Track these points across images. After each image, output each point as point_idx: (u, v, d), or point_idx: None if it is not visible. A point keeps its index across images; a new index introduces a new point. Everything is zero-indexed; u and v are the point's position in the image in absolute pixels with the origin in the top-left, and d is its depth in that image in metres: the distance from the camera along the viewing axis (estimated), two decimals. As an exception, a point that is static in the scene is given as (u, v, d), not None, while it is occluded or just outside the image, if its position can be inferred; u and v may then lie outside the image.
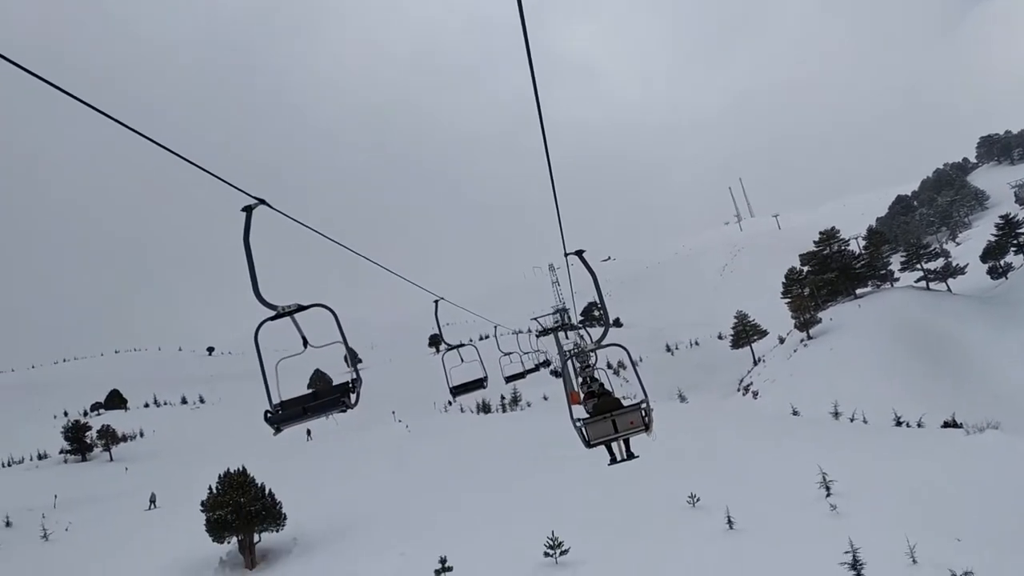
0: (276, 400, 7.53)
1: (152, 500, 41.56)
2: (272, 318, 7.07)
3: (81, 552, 33.65)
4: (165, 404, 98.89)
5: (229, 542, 27.94)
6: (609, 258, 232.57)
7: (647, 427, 10.91)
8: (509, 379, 24.73)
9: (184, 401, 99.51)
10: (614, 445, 12.56)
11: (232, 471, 29.24)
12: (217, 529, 27.61)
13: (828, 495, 24.60)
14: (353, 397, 7.56)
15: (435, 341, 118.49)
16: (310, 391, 8.21)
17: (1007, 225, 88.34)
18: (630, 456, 12.76)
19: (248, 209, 6.78)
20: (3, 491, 50.20)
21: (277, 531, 28.50)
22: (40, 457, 66.64)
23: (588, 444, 11.12)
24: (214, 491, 28.41)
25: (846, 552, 17.50)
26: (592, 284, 9.92)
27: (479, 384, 17.08)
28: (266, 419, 7.39)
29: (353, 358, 7.98)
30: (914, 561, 18.04)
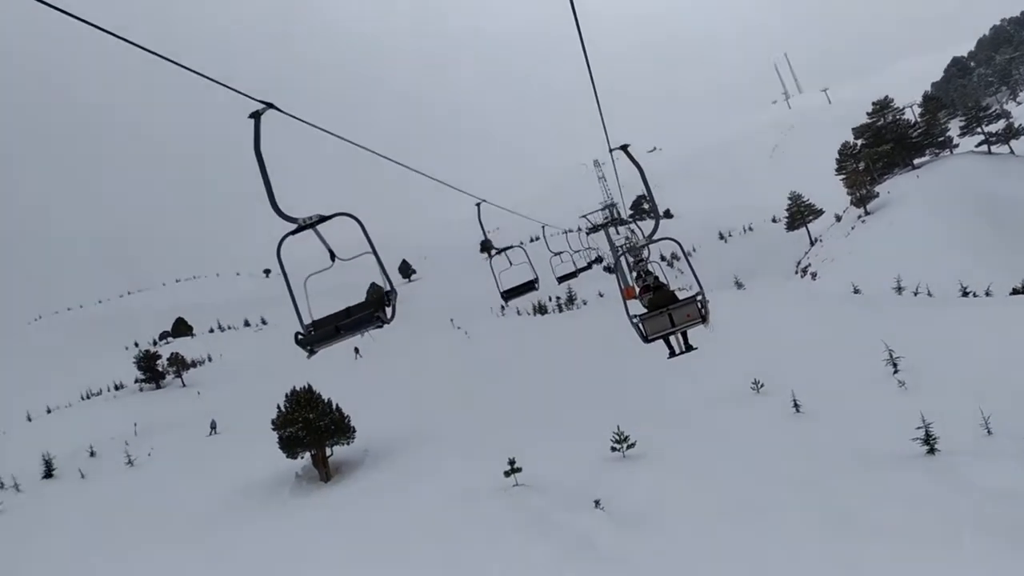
0: (308, 320, 7.21)
1: (212, 426, 42.79)
2: (293, 232, 6.74)
3: (166, 475, 35.03)
4: (229, 328, 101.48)
5: (302, 457, 28.73)
6: (655, 148, 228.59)
7: (704, 319, 10.97)
8: (561, 279, 24.43)
9: (247, 324, 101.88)
10: (672, 338, 12.76)
11: (298, 389, 29.81)
12: (290, 446, 28.34)
13: (895, 372, 24.22)
14: (389, 311, 7.27)
15: (486, 247, 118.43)
16: (343, 309, 7.55)
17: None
18: (689, 348, 13.06)
19: (256, 115, 6.37)
20: (85, 422, 52.41)
21: (347, 444, 29.19)
22: (117, 388, 69.08)
23: (646, 339, 11.23)
24: (283, 409, 29.06)
25: (918, 428, 17.22)
26: (639, 178, 9.79)
27: (530, 287, 16.77)
28: (297, 341, 7.13)
29: (384, 270, 7.38)
30: (989, 432, 17.69)
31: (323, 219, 6.68)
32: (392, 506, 20.80)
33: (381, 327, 7.08)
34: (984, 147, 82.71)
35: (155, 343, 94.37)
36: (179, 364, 67.12)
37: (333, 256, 7.45)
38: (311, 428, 28.18)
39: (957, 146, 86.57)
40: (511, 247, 16.82)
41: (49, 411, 63.88)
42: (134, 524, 27.82)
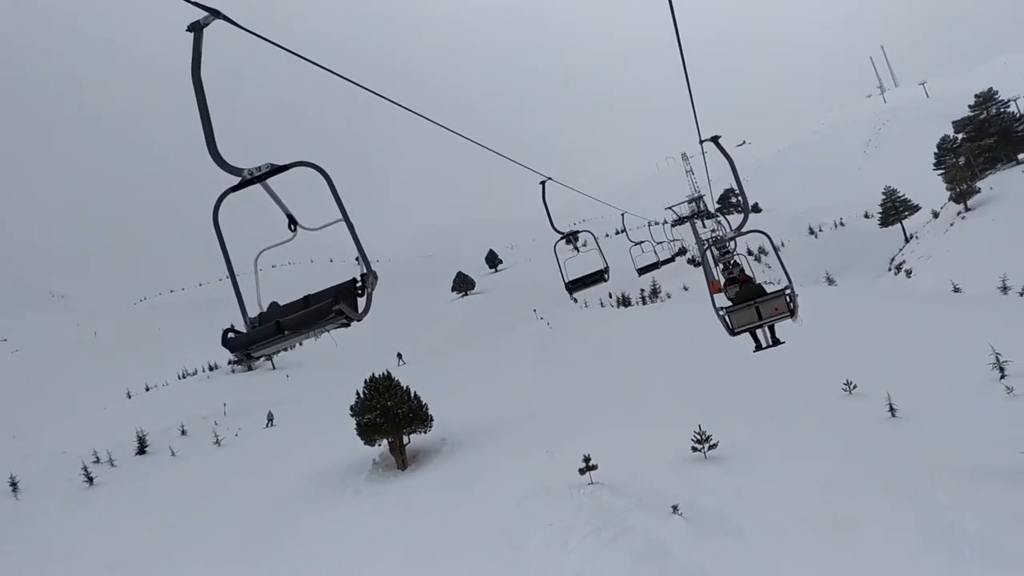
0: (255, 312, 5.37)
1: (270, 418, 43.32)
2: (236, 187, 4.96)
3: (251, 456, 35.79)
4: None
5: (380, 445, 28.74)
6: (744, 142, 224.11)
7: (792, 312, 10.88)
8: (642, 271, 23.91)
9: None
10: (759, 332, 12.56)
11: (377, 376, 29.83)
12: (368, 432, 28.37)
13: (1003, 376, 22.73)
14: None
15: (572, 240, 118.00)
16: (301, 298, 5.64)
17: None
18: (776, 342, 12.91)
19: (196, 28, 4.69)
20: (179, 402, 54.05)
21: (425, 432, 29.08)
22: (211, 368, 70.99)
23: (732, 332, 11.12)
24: (361, 395, 29.12)
25: (1030, 439, 15.98)
26: (729, 170, 9.58)
27: (599, 277, 15.04)
28: (224, 342, 5.09)
29: (358, 243, 5.22)
30: (1113, 445, 16.32)
31: (277, 170, 4.89)
32: (465, 499, 20.50)
33: (347, 326, 5.01)
34: (1097, 142, 78.02)
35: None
36: (267, 347, 68.35)
37: (293, 223, 5.50)
38: (389, 415, 28.16)
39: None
40: (576, 232, 15.09)
41: (148, 389, 66.11)
42: (219, 501, 28.41)
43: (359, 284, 5.10)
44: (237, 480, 31.32)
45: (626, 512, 16.00)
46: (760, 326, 11.36)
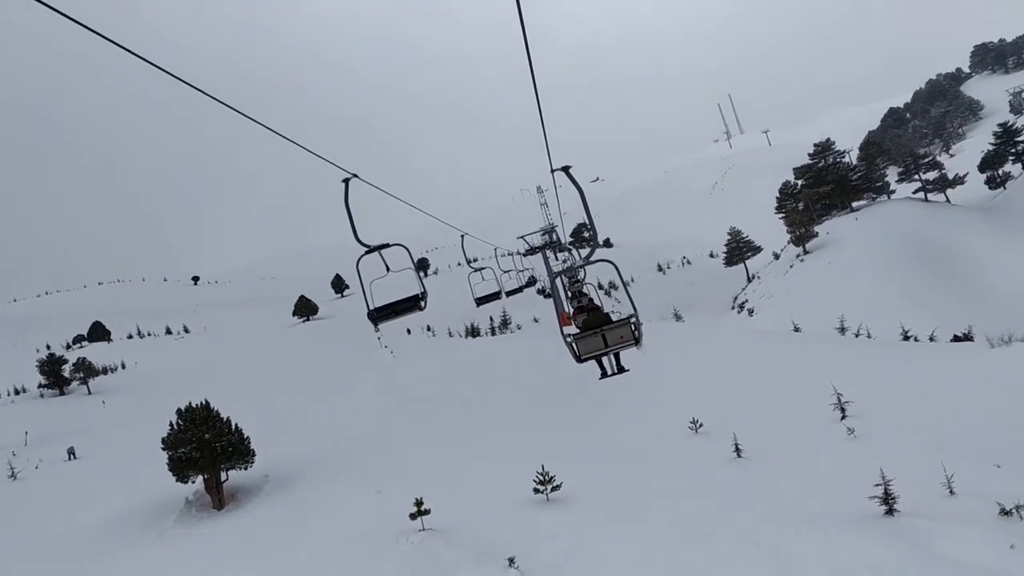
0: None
1: (71, 453, 38.62)
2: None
3: (47, 492, 31.76)
4: (149, 335, 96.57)
5: (194, 481, 25.86)
6: (598, 179, 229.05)
7: (637, 341, 11.16)
8: (481, 301, 22.73)
9: (168, 332, 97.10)
10: (604, 359, 12.62)
11: (195, 405, 26.98)
12: (181, 468, 25.46)
13: (843, 417, 22.57)
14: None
15: (422, 266, 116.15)
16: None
17: (1005, 133, 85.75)
18: (620, 370, 12.92)
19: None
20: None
21: (246, 468, 26.40)
22: (17, 392, 64.52)
23: (579, 359, 11.35)
24: (175, 427, 26.20)
25: (876, 485, 15.35)
26: (580, 202, 9.93)
27: (413, 304, 16.93)
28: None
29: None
30: (951, 492, 15.96)
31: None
32: (280, 551, 18.06)
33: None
34: (920, 194, 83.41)
35: (69, 347, 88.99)
36: (85, 370, 62.85)
37: (388, 268, 10.33)
38: (205, 449, 25.38)
39: (894, 191, 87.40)
40: (389, 244, 16.99)
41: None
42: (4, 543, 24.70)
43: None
44: (25, 521, 27.53)
45: (457, 566, 14.20)
46: (606, 353, 11.54)
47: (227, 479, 26.11)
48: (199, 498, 25.93)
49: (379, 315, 10.79)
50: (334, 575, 15.12)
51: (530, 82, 7.48)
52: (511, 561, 13.91)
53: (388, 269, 10.32)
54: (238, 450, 26.02)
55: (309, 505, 22.27)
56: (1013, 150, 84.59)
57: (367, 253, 9.71)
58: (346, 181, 9.05)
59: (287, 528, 20.08)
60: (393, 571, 14.34)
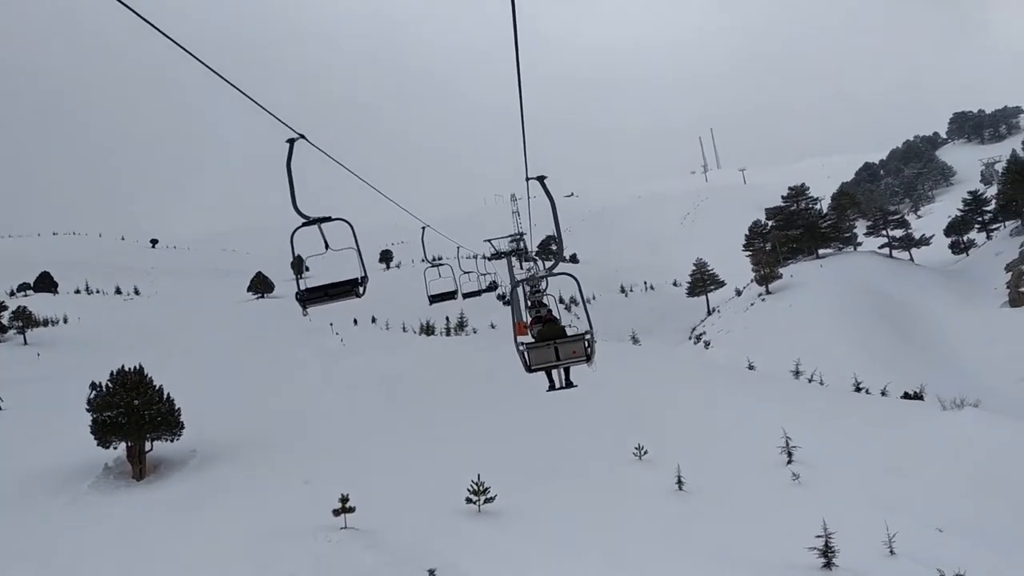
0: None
1: None
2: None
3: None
4: (97, 292, 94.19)
5: (116, 447, 24.74)
6: (572, 194, 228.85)
7: (588, 358, 11.07)
8: (434, 299, 21.76)
9: (118, 291, 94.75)
10: (554, 372, 12.58)
11: (128, 368, 25.87)
12: (104, 432, 24.37)
13: (789, 461, 22.15)
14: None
15: (385, 258, 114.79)
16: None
17: (974, 201, 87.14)
18: (569, 385, 12.87)
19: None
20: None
21: (173, 440, 25.34)
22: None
23: (528, 368, 11.25)
24: (104, 388, 25.06)
25: (817, 536, 14.89)
26: (551, 214, 9.84)
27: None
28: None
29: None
30: (892, 552, 15.54)
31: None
32: (193, 532, 17.05)
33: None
34: (886, 250, 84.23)
35: (12, 293, 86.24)
36: (24, 320, 60.84)
37: (327, 246, 9.08)
38: (133, 415, 24.30)
39: (861, 244, 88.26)
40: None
41: None
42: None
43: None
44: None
45: (372, 572, 13.38)
46: (556, 367, 11.51)
47: (151, 449, 25.06)
48: (119, 465, 24.85)
49: (309, 297, 9.45)
50: (242, 566, 14.19)
51: (517, 88, 7.46)
52: (431, 574, 13.13)
53: (327, 247, 9.11)
54: (167, 420, 24.98)
55: (231, 487, 21.33)
56: (980, 219, 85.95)
57: (304, 225, 8.61)
58: (291, 141, 8.18)
59: (202, 509, 19.10)
60: (303, 571, 13.45)
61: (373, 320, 67.99)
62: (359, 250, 9.41)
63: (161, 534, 17.01)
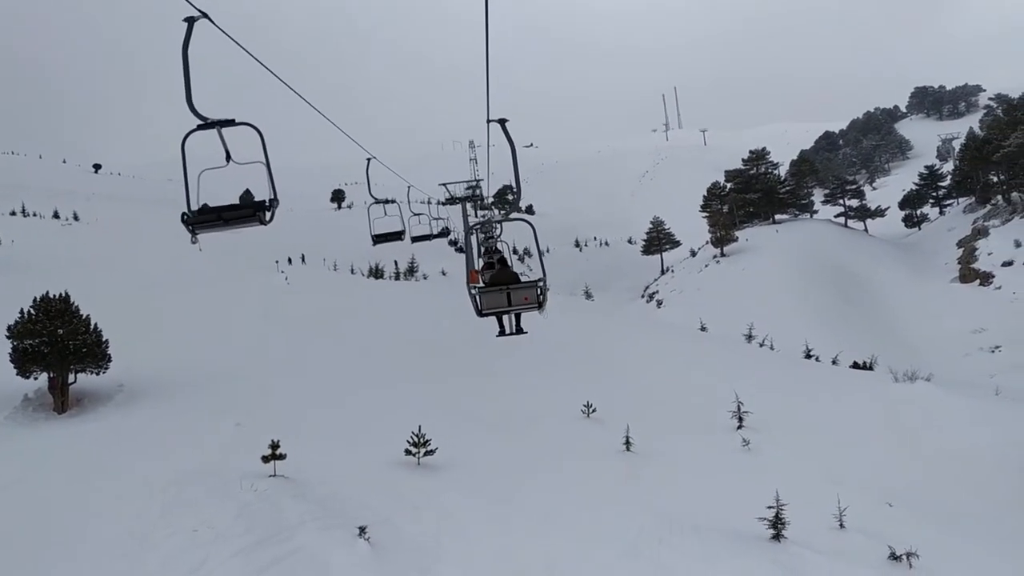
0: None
1: None
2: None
3: None
4: (34, 215, 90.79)
5: (37, 378, 23.35)
6: (532, 144, 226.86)
7: (540, 305, 11.11)
8: (416, 239, 22.98)
9: (56, 216, 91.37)
10: (505, 318, 12.65)
11: (54, 295, 24.35)
12: (25, 361, 22.94)
13: (740, 427, 21.67)
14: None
15: (337, 197, 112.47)
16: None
17: (930, 176, 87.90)
18: (519, 331, 12.85)
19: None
20: None
21: (99, 373, 23.99)
22: None
23: (480, 313, 11.32)
24: (26, 315, 23.56)
25: (769, 507, 14.31)
26: (511, 160, 9.52)
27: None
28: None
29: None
30: (842, 525, 15.06)
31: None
32: (108, 470, 15.83)
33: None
34: (842, 219, 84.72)
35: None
36: (-52, 239, 58.20)
37: (228, 157, 7.48)
38: (56, 345, 22.88)
39: (817, 212, 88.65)
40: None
41: None
42: None
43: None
44: None
45: (299, 526, 12.41)
46: (507, 312, 11.57)
47: (75, 381, 23.69)
48: (40, 397, 23.47)
49: (200, 220, 7.48)
50: (156, 509, 13.14)
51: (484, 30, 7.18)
52: (362, 530, 12.23)
53: (229, 158, 7.45)
54: (92, 352, 23.58)
55: (157, 425, 20.12)
56: (934, 194, 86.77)
57: (200, 128, 7.02)
58: (189, 20, 6.66)
59: (123, 448, 17.90)
60: (226, 520, 12.47)
61: (324, 262, 66.51)
62: (268, 165, 7.52)
63: (75, 470, 15.83)
